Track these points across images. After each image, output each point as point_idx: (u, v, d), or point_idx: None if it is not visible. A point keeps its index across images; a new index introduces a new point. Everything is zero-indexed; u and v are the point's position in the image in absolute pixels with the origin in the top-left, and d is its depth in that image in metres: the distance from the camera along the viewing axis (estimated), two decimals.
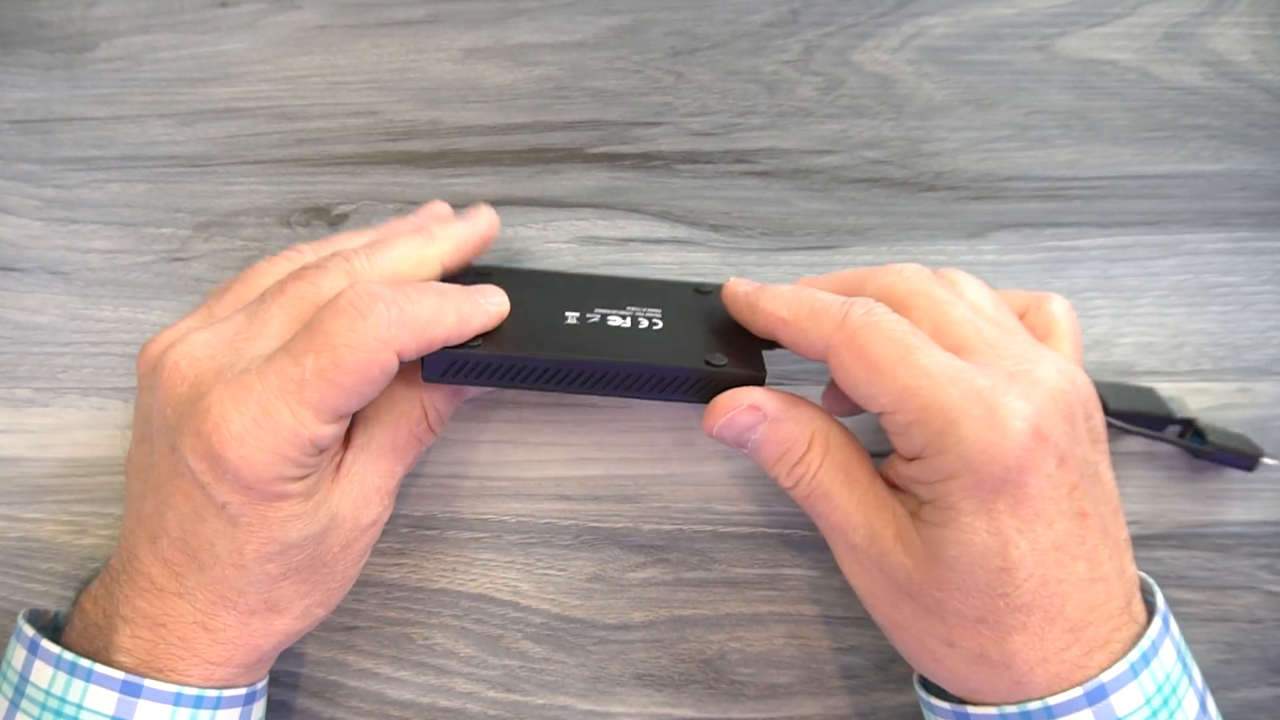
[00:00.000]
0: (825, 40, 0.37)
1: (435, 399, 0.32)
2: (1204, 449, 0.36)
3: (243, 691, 0.31)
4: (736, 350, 0.32)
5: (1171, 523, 0.37)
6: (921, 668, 0.30)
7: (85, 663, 0.29)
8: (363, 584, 0.37)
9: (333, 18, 0.37)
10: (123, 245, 0.38)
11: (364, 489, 0.31)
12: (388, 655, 0.37)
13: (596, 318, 0.32)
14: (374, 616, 0.37)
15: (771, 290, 0.31)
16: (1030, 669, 0.28)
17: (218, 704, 0.30)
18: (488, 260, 0.37)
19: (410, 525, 0.38)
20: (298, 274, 0.30)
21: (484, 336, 0.30)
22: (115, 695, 0.29)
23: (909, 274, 0.31)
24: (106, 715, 0.29)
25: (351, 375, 0.27)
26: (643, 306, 0.33)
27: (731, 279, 0.33)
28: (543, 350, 0.30)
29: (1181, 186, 0.38)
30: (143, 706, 0.29)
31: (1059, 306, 0.33)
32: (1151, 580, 0.31)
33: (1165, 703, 0.28)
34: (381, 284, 0.28)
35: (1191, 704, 0.29)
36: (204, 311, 0.32)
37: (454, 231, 0.33)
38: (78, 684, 0.29)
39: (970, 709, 0.29)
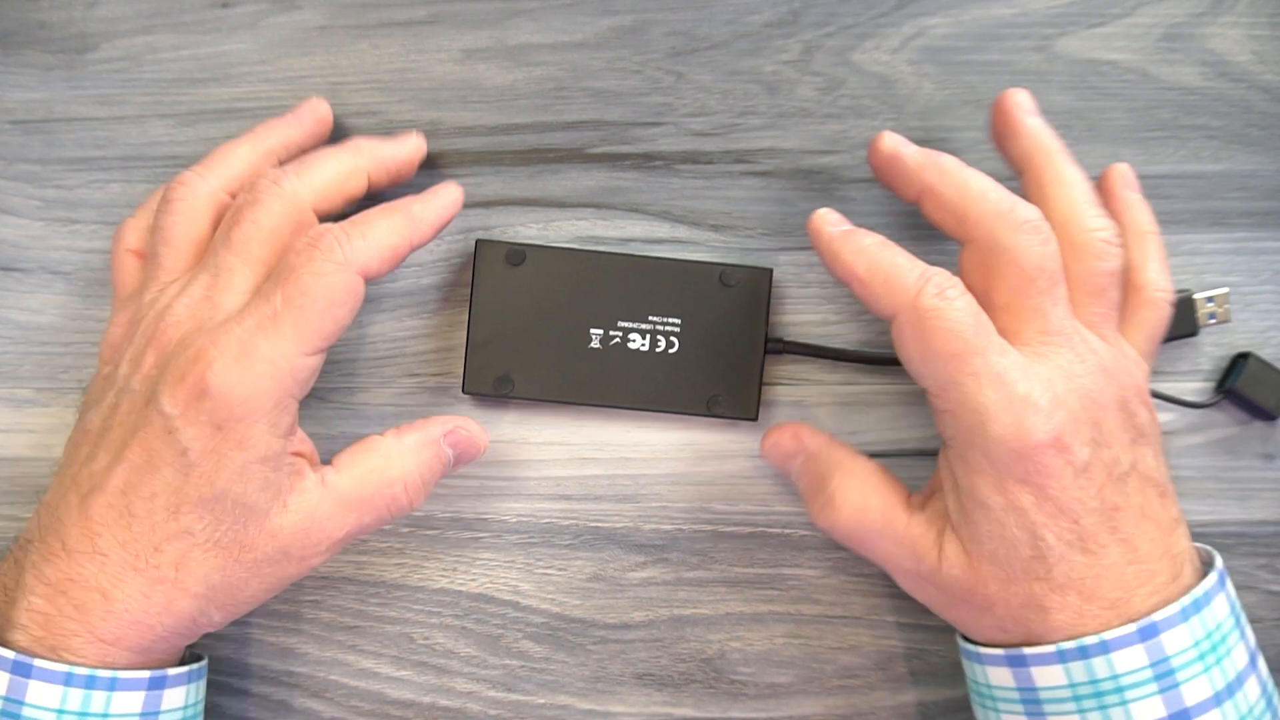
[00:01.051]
0: (825, 40, 0.37)
1: (417, 465, 0.33)
2: (1218, 394, 0.37)
3: (144, 675, 0.30)
4: (740, 378, 0.36)
5: None
6: (988, 644, 0.32)
7: None
8: (363, 584, 0.37)
9: (333, 18, 0.37)
10: None
11: (310, 520, 0.31)
12: (388, 655, 0.37)
13: (618, 337, 0.36)
14: (374, 616, 0.37)
15: (854, 242, 0.32)
16: (1071, 640, 0.30)
17: (112, 685, 0.30)
18: (522, 239, 0.37)
19: (410, 525, 0.38)
20: (236, 217, 0.32)
21: (518, 376, 0.36)
22: (7, 676, 0.29)
23: (1024, 246, 0.30)
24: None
25: (318, 300, 0.30)
26: (664, 315, 0.36)
27: (819, 213, 0.33)
28: (567, 394, 0.36)
29: (1181, 186, 0.38)
30: (34, 687, 0.29)
31: (1154, 296, 0.33)
32: (1213, 550, 0.32)
33: (1214, 648, 0.30)
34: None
35: (1240, 656, 0.30)
36: (153, 286, 0.33)
37: (382, 150, 0.35)
38: None
39: (1025, 650, 0.30)
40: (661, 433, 0.38)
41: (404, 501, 0.33)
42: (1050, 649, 0.30)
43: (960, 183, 0.32)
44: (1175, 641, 0.29)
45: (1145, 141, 0.37)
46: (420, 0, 0.37)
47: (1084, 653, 0.29)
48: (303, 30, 0.37)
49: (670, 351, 0.36)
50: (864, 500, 0.33)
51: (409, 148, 0.35)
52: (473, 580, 0.38)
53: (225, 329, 0.30)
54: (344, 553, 0.37)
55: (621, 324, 0.36)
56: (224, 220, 0.32)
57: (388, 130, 0.37)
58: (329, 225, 0.31)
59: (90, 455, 0.31)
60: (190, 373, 0.29)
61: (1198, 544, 0.33)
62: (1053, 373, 0.30)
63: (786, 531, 0.38)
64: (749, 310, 0.36)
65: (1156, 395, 0.36)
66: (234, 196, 0.34)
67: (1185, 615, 0.29)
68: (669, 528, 0.38)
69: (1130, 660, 0.29)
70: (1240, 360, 0.37)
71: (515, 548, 0.38)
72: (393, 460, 0.32)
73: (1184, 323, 0.36)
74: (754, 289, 0.36)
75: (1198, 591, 0.30)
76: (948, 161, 0.32)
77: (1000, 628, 0.31)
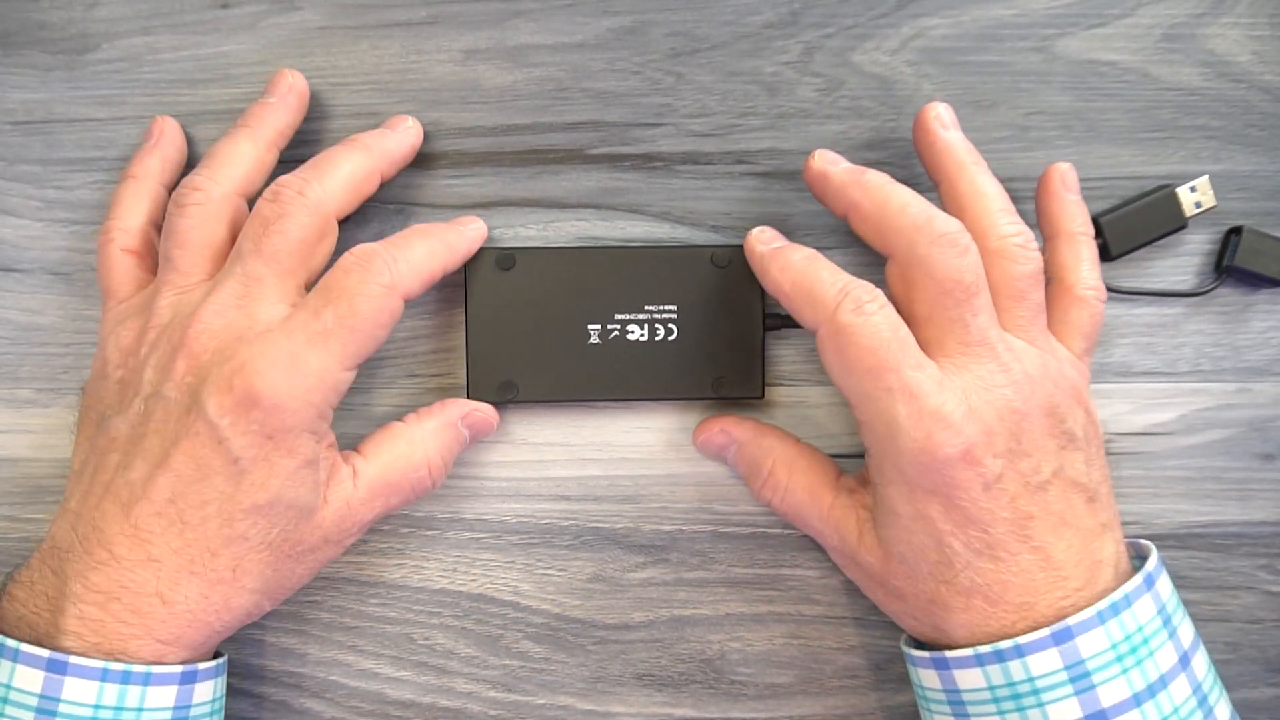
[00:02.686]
0: (825, 41, 0.37)
1: (439, 447, 0.35)
2: (1218, 276, 0.37)
3: (177, 670, 0.31)
4: (743, 357, 0.36)
5: (1171, 523, 0.37)
6: (906, 630, 0.35)
7: (12, 643, 0.29)
8: (364, 584, 0.37)
9: (333, 19, 0.37)
10: None
11: (346, 509, 0.33)
12: (388, 655, 0.37)
13: (617, 329, 0.36)
14: (375, 616, 0.37)
15: (781, 259, 0.33)
16: (976, 641, 0.31)
17: (147, 680, 0.30)
18: (513, 243, 0.38)
19: (410, 525, 0.38)
20: (264, 228, 0.32)
21: (521, 380, 0.36)
22: (41, 673, 0.29)
23: (940, 258, 0.31)
24: (34, 693, 0.29)
25: (367, 321, 0.31)
26: (660, 303, 0.36)
27: (754, 232, 0.35)
28: (571, 392, 0.36)
29: None
30: (70, 683, 0.29)
31: (1083, 294, 0.34)
32: (1150, 545, 0.33)
33: (1134, 650, 0.30)
34: (375, 243, 0.32)
35: (1167, 656, 0.30)
36: (169, 291, 0.33)
37: (388, 145, 0.35)
38: (5, 664, 0.29)
39: (947, 654, 0.31)
40: (661, 434, 0.38)
41: (428, 483, 0.35)
42: (968, 653, 0.30)
43: (881, 198, 0.32)
44: (1090, 645, 0.29)
45: (1145, 142, 0.37)
46: (420, 1, 0.37)
47: (999, 656, 0.30)
48: (303, 31, 0.37)
49: (670, 339, 0.36)
50: (791, 481, 0.35)
51: (411, 137, 0.36)
52: (473, 581, 0.38)
53: (272, 340, 0.30)
54: (344, 552, 0.37)
55: (619, 316, 0.36)
56: (249, 227, 0.32)
57: None
58: (376, 247, 0.32)
59: (124, 463, 0.31)
60: (237, 383, 0.30)
61: (1141, 540, 0.33)
62: (969, 384, 0.30)
63: (786, 532, 0.38)
64: (744, 289, 0.36)
65: (1155, 293, 0.37)
66: (244, 196, 0.34)
67: (1102, 619, 0.30)
68: (669, 528, 0.38)
69: (1045, 663, 0.29)
70: (1233, 235, 0.37)
71: (515, 548, 0.38)
72: (416, 446, 0.34)
73: (1171, 217, 0.36)
74: (747, 267, 0.36)
75: (1116, 595, 0.30)
76: (872, 178, 0.33)
77: (911, 615, 0.33)
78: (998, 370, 0.31)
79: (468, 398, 0.36)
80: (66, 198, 0.38)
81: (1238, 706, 0.37)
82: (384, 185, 0.35)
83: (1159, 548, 0.37)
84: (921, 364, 0.30)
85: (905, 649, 0.34)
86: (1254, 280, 0.37)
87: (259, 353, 0.30)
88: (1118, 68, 0.37)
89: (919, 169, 0.37)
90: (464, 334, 0.36)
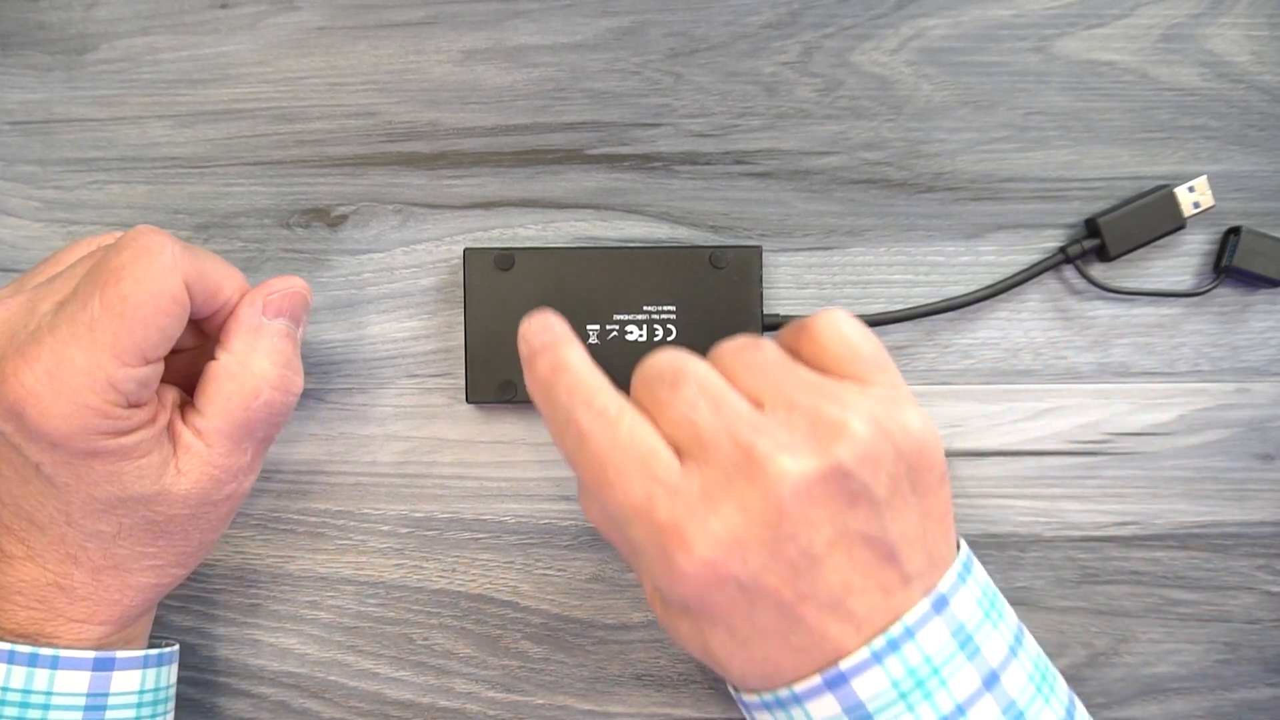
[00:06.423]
0: (824, 42, 0.37)
1: (265, 359, 0.30)
2: (1217, 275, 0.37)
3: (88, 655, 0.30)
4: None
5: (1169, 523, 0.37)
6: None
7: None
8: (363, 584, 0.37)
9: (332, 19, 0.37)
10: None
11: (211, 468, 0.30)
12: (388, 655, 0.37)
13: (615, 330, 0.36)
14: (374, 616, 0.37)
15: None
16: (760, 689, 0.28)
17: (55, 664, 0.29)
18: (512, 243, 0.37)
19: (410, 525, 0.38)
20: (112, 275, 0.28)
21: (521, 380, 0.35)
22: None
23: (651, 372, 0.28)
24: None
25: (142, 307, 0.27)
26: (658, 303, 0.36)
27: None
28: None
29: None
30: None
31: (824, 326, 0.28)
32: (961, 544, 0.29)
33: (920, 684, 0.26)
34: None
35: (966, 683, 0.27)
36: (14, 285, 0.31)
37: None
38: None
39: (744, 695, 0.29)
40: None
41: (281, 397, 0.30)
42: (754, 698, 0.28)
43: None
44: (868, 687, 0.26)
45: (1144, 142, 0.37)
46: (419, 1, 0.37)
47: (779, 703, 0.27)
48: (302, 31, 0.37)
49: (669, 339, 0.36)
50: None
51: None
52: (472, 581, 0.38)
53: (35, 340, 0.27)
54: (342, 553, 0.37)
55: (617, 317, 0.36)
56: (102, 260, 0.28)
57: (387, 130, 0.37)
58: (160, 230, 0.29)
59: None
60: (4, 394, 0.27)
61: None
62: (729, 471, 0.27)
63: None
64: (742, 290, 0.36)
65: (1153, 294, 0.37)
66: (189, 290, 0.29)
67: (878, 658, 0.26)
68: None
69: (824, 709, 0.27)
70: (1232, 235, 0.37)
71: (514, 548, 0.38)
72: (241, 375, 0.30)
73: (1170, 218, 0.36)
74: (745, 268, 0.36)
75: (895, 630, 0.26)
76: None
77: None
78: (768, 447, 0.27)
79: (467, 399, 0.36)
80: (65, 198, 0.38)
81: (1236, 707, 0.37)
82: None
83: (1157, 547, 0.37)
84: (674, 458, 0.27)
85: (778, 693, 0.28)
86: (1253, 280, 0.37)
87: (18, 354, 0.27)
88: (1116, 68, 0.37)
89: (918, 169, 0.37)
90: (463, 334, 0.36)
